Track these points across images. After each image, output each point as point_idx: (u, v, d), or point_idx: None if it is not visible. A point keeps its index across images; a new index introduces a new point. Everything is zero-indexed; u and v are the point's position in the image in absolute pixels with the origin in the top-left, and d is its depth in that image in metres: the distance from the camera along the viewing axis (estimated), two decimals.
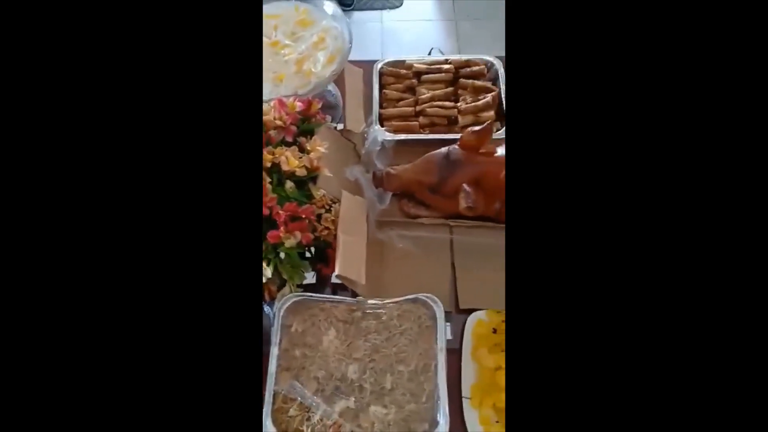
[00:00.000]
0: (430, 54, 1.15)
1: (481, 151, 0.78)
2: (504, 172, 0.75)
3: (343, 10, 2.54)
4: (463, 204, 0.74)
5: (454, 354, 0.74)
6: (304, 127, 0.79)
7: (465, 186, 0.74)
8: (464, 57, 1.00)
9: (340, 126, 0.91)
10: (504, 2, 0.92)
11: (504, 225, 0.81)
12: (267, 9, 0.96)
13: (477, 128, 0.77)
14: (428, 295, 0.75)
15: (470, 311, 0.77)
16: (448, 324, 0.78)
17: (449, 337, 0.77)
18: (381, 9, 2.46)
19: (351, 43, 0.87)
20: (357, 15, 2.44)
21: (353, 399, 0.66)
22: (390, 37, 2.36)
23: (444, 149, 0.80)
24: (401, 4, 2.47)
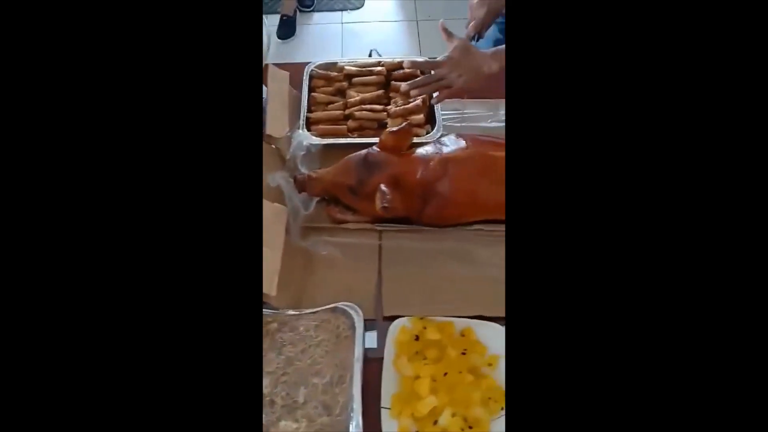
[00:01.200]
0: (370, 56, 1.13)
1: (402, 152, 0.76)
2: (420, 172, 0.74)
3: (303, 11, 2.52)
4: (378, 204, 0.73)
5: (379, 363, 0.72)
6: None
7: (381, 186, 0.73)
8: (397, 59, 0.98)
9: None
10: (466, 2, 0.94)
11: (428, 228, 0.81)
12: None
13: (395, 129, 0.76)
14: (348, 303, 0.73)
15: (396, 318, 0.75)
16: (374, 332, 0.76)
17: (374, 345, 0.75)
18: (342, 10, 2.44)
19: (270, 46, 0.85)
20: (317, 16, 2.42)
21: (263, 414, 0.64)
22: (351, 38, 2.34)
23: (363, 151, 0.78)
24: (362, 5, 2.45)
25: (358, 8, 2.44)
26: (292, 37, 2.29)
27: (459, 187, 0.75)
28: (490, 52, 0.87)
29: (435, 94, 0.92)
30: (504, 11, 0.96)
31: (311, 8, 2.42)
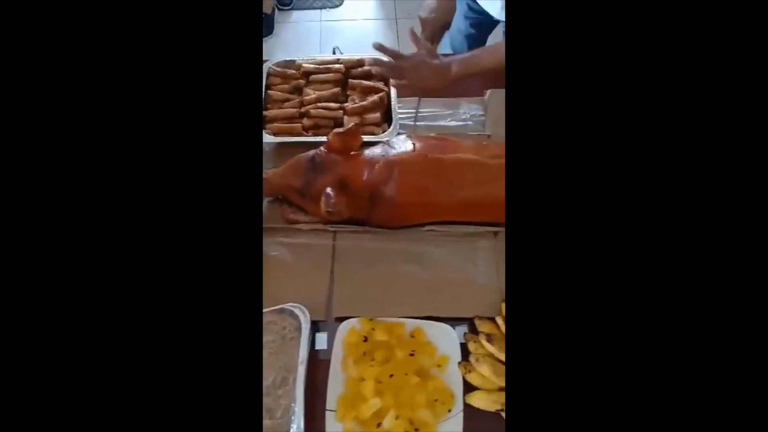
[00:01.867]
0: (334, 53, 1.12)
1: (352, 153, 0.75)
2: (366, 174, 0.73)
3: (282, 9, 2.49)
4: (323, 208, 0.71)
5: (328, 364, 0.71)
6: None
7: (327, 189, 0.71)
8: (356, 56, 0.97)
9: None
10: None
11: (382, 229, 0.81)
12: None
13: (341, 130, 0.74)
14: (296, 304, 0.72)
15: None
16: (324, 333, 0.75)
17: (325, 347, 0.74)
18: (321, 8, 2.42)
19: None
20: (296, 14, 2.40)
21: None
22: (329, 37, 2.32)
23: (311, 152, 0.77)
24: (341, 3, 2.44)
25: (337, 6, 2.43)
26: (270, 35, 2.27)
27: (405, 189, 0.73)
28: (453, 59, 0.88)
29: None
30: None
31: (290, 6, 2.40)
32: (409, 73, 0.87)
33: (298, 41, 2.30)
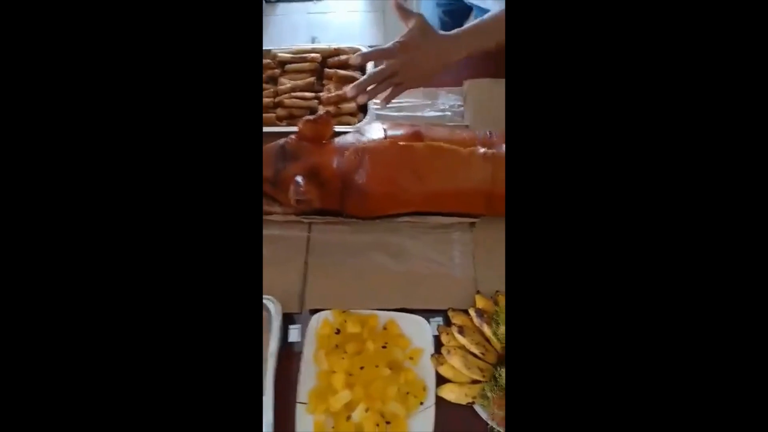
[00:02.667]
0: (313, 43, 1.11)
1: (323, 142, 0.74)
2: (336, 162, 0.71)
3: (268, 1, 2.47)
4: (291, 197, 0.70)
5: (300, 357, 0.70)
6: None
7: (296, 178, 0.70)
8: (333, 45, 0.96)
9: None
10: None
11: (357, 220, 0.79)
12: None
13: (312, 117, 0.73)
14: (267, 296, 0.71)
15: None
16: (298, 325, 0.74)
17: (298, 339, 0.73)
18: (307, 0, 2.40)
19: None
20: (282, 6, 2.38)
21: None
22: (316, 30, 2.31)
23: (281, 140, 0.75)
24: None
25: None
26: None
27: (376, 177, 0.72)
28: (456, 34, 0.78)
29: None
30: None
31: None
32: (405, 68, 0.74)
33: (284, 34, 2.29)
